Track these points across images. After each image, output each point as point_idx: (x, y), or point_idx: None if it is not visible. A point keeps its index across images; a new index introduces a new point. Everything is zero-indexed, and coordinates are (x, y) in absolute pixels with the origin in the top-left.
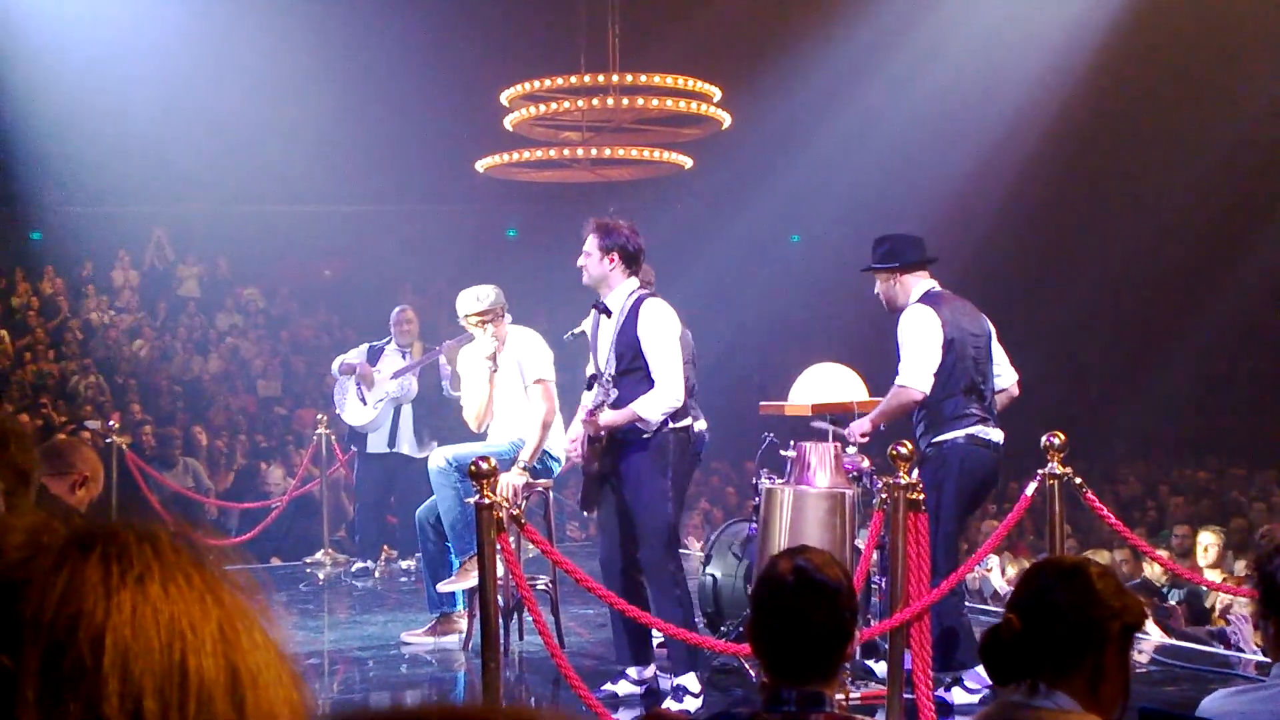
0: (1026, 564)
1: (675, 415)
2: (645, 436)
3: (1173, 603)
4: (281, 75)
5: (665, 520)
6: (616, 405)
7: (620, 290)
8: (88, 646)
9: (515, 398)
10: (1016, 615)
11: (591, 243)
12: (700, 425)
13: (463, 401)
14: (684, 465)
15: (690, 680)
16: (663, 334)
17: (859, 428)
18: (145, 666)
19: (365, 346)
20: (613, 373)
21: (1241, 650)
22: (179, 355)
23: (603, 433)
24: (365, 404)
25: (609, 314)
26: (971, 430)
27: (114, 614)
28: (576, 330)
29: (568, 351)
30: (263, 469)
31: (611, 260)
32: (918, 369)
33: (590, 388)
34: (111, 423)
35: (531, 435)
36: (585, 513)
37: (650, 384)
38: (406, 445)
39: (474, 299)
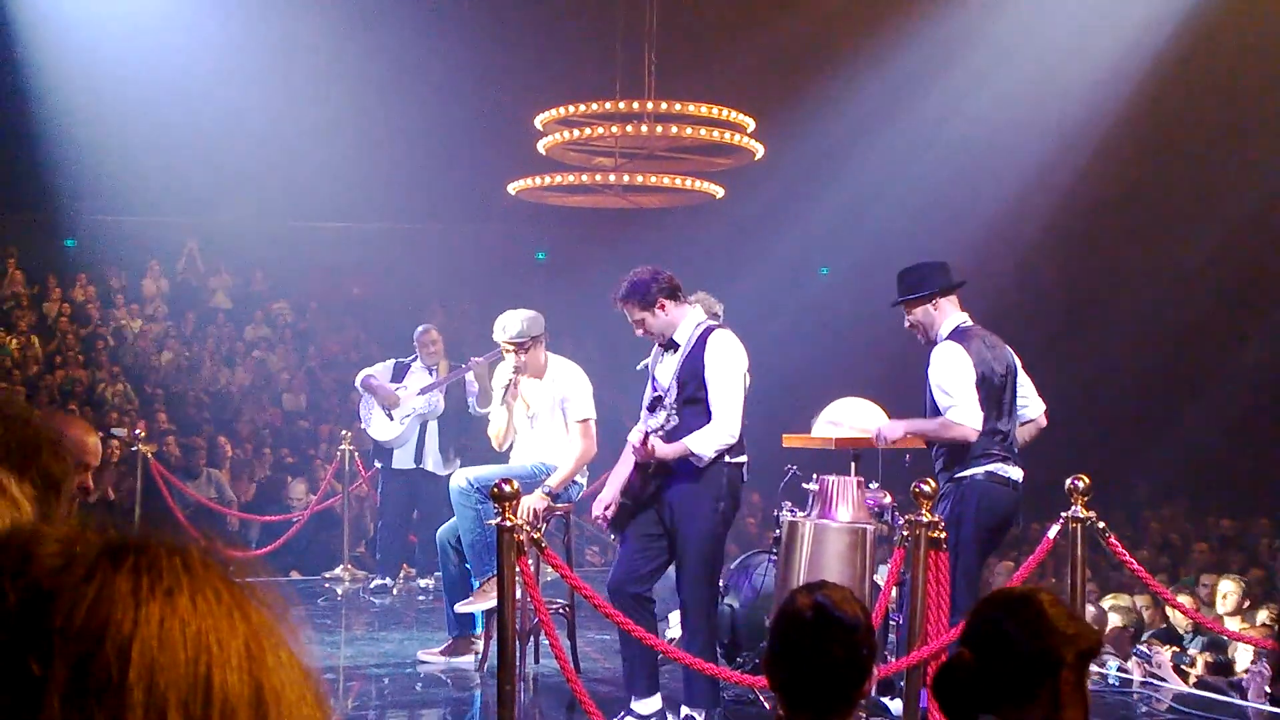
0: None
1: (732, 450)
2: (700, 467)
3: (1193, 651)
4: (319, 92)
5: (710, 554)
6: (675, 435)
7: (686, 324)
8: (115, 657)
9: (546, 424)
10: (969, 649)
11: (634, 312)
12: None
13: (490, 417)
14: (735, 498)
15: (704, 718)
16: (727, 368)
17: (890, 432)
18: (170, 680)
19: (391, 362)
20: (674, 400)
21: (1249, 701)
22: (207, 366)
23: (653, 460)
24: (392, 419)
25: (675, 348)
26: (991, 468)
27: (142, 626)
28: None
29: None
30: (286, 482)
31: (663, 308)
32: (967, 407)
33: (653, 410)
34: (138, 431)
35: (565, 466)
36: (614, 536)
37: (708, 418)
38: (431, 462)
39: (501, 329)
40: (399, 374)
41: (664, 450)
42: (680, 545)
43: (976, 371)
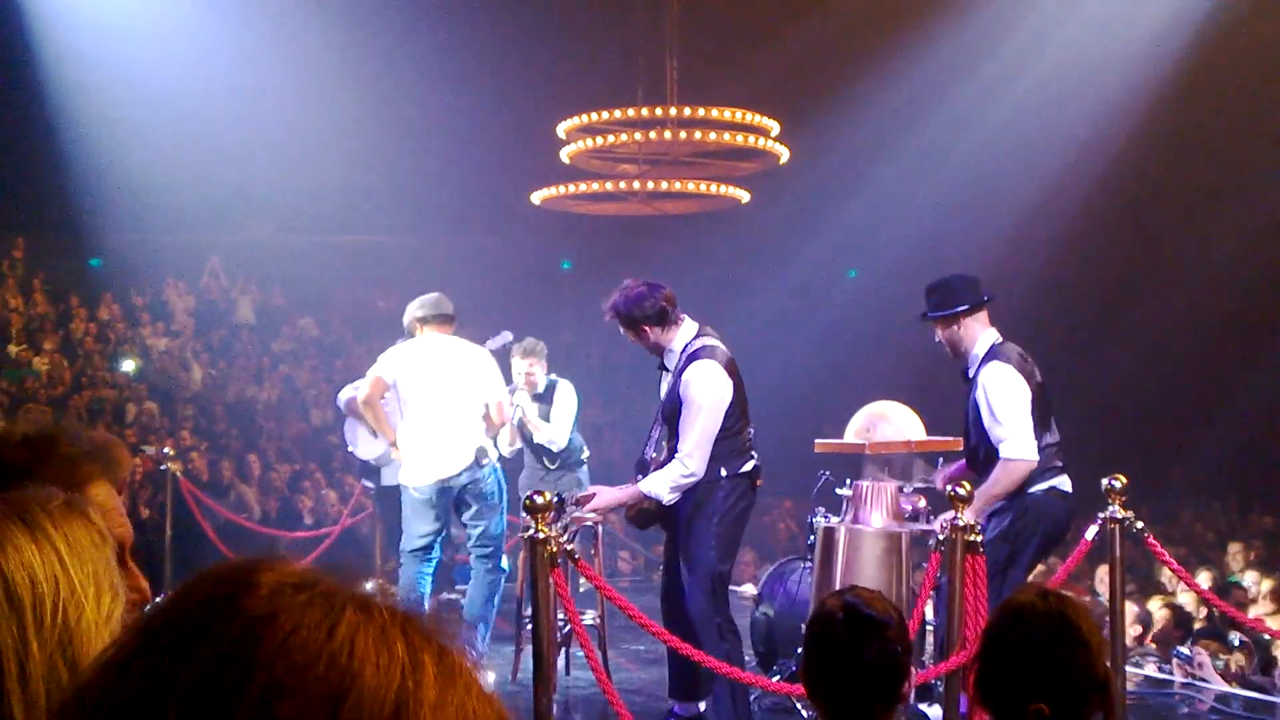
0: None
1: (732, 463)
2: (691, 488)
3: (1237, 646)
4: (341, 106)
5: (709, 570)
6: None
7: (676, 345)
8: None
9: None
10: (1044, 705)
11: (621, 329)
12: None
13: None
14: (738, 510)
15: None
16: (697, 400)
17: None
18: None
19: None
20: (659, 437)
21: None
22: (233, 382)
23: (599, 511)
24: (376, 437)
25: (669, 371)
26: (1054, 483)
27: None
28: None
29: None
30: (314, 498)
31: (643, 332)
32: (1021, 438)
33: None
34: (166, 449)
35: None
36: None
37: None
38: None
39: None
40: None
41: (616, 497)
42: (682, 562)
43: (1030, 390)
